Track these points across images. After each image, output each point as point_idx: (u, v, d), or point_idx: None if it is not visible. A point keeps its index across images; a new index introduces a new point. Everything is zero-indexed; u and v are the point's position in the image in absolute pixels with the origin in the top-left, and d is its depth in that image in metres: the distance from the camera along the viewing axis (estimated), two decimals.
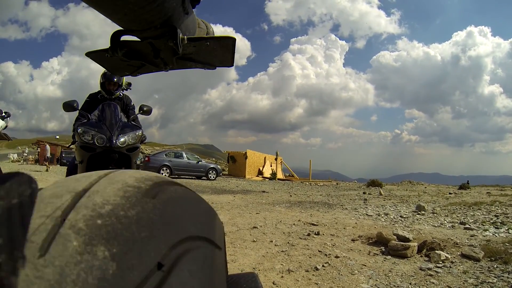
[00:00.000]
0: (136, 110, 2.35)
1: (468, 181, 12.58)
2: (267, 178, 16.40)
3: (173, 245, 0.24)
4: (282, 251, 2.55)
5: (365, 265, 2.26)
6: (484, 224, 4.29)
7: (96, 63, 0.60)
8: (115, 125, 1.96)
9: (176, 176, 12.50)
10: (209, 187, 9.28)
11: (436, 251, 2.60)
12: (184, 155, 13.64)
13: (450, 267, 2.31)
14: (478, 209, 5.64)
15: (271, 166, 18.32)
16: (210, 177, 13.09)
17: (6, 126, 3.88)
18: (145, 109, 2.27)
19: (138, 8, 0.39)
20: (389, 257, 2.51)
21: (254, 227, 3.54)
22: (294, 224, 3.81)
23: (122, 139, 1.92)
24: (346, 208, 5.54)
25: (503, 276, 2.10)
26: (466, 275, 2.13)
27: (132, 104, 2.64)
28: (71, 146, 2.32)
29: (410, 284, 1.93)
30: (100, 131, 1.90)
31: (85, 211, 0.23)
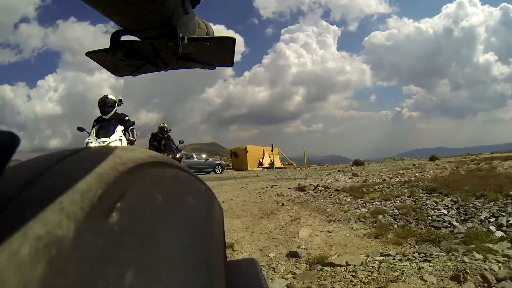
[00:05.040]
0: (176, 142, 5.50)
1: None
2: (266, 167, 19.24)
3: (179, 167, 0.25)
4: (249, 192, 5.63)
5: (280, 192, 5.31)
6: (380, 179, 7.21)
7: (96, 65, 0.60)
8: (176, 151, 5.13)
9: None
10: (216, 177, 12.43)
11: (320, 188, 5.61)
12: (194, 156, 17.13)
13: (319, 192, 5.30)
14: (398, 171, 8.40)
15: (270, 157, 21.19)
16: (217, 171, 16.39)
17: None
18: (182, 141, 5.50)
19: (138, 8, 0.40)
20: (297, 191, 5.52)
21: (241, 187, 6.62)
22: (263, 186, 6.87)
23: (178, 155, 5.10)
24: (305, 179, 8.51)
25: (343, 196, 5.09)
26: (322, 194, 5.13)
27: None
28: None
29: (292, 194, 4.96)
30: (170, 153, 5.07)
31: None
